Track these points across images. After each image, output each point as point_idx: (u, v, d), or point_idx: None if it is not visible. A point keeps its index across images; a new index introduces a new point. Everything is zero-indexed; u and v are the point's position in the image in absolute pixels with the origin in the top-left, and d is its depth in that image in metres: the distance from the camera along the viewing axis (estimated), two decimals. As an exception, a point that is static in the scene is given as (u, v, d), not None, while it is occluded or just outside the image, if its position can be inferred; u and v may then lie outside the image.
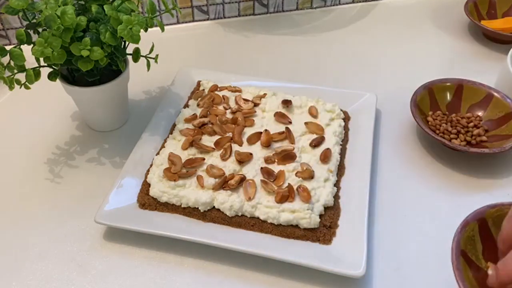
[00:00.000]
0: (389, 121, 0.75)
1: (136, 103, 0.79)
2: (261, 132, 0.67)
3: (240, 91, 0.75)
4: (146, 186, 0.62)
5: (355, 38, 0.93)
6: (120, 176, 0.63)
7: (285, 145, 0.66)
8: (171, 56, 0.85)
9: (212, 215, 0.59)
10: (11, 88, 0.60)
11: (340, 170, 0.65)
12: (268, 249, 0.55)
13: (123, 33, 0.58)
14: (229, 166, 0.63)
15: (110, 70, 0.67)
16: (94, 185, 0.66)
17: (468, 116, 0.72)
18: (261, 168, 0.63)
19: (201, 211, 0.59)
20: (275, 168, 0.63)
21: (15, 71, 0.60)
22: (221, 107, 0.72)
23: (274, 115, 0.70)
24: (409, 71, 0.85)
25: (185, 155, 0.64)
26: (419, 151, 0.71)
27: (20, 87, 0.61)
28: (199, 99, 0.74)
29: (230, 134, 0.67)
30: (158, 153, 0.66)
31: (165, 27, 0.67)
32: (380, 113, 0.76)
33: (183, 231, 0.57)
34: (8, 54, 0.59)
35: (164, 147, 0.67)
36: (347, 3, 1.02)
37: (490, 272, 0.48)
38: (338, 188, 0.63)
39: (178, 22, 0.96)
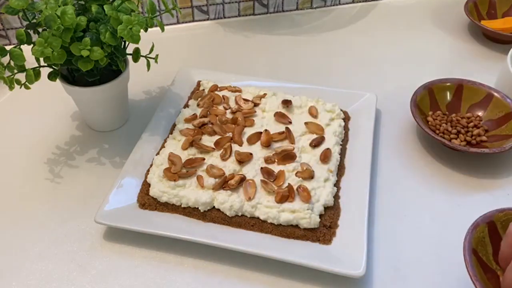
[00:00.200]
0: (389, 121, 0.75)
1: (136, 103, 0.79)
2: (261, 132, 0.67)
3: (240, 91, 0.75)
4: (146, 186, 0.62)
5: (355, 38, 0.93)
6: (120, 176, 0.63)
7: (285, 145, 0.66)
8: (171, 56, 0.85)
9: (212, 215, 0.59)
10: (11, 88, 0.60)
11: (340, 170, 0.65)
12: (268, 249, 0.55)
13: (123, 33, 0.58)
14: (229, 166, 0.63)
15: (110, 70, 0.67)
16: (94, 185, 0.66)
17: (468, 116, 0.72)
18: (261, 168, 0.63)
19: (201, 211, 0.59)
20: (275, 168, 0.63)
21: (15, 71, 0.60)
22: (221, 107, 0.72)
23: (274, 115, 0.70)
24: (409, 71, 0.85)
25: (185, 155, 0.64)
26: (419, 151, 0.71)
27: (20, 87, 0.61)
28: (199, 99, 0.74)
29: (230, 134, 0.67)
30: (158, 153, 0.66)
31: (165, 27, 0.67)
32: (380, 113, 0.76)
33: (183, 231, 0.57)
34: (8, 54, 0.59)
35: (164, 147, 0.67)
36: (347, 3, 1.02)
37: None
38: (338, 188, 0.63)
39: (178, 22, 0.96)
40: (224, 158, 0.64)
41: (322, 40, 0.93)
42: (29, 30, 0.61)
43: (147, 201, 0.61)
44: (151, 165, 0.65)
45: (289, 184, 0.60)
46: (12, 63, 0.59)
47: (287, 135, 0.67)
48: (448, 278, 0.55)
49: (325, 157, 0.64)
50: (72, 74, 0.67)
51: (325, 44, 0.92)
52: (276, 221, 0.58)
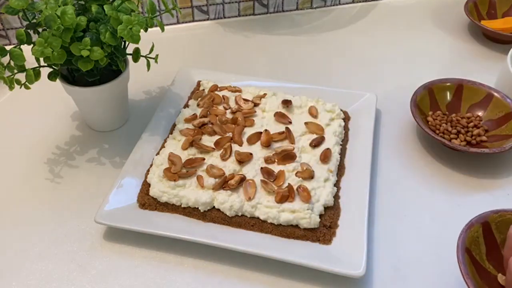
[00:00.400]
0: (389, 121, 0.75)
1: (136, 103, 0.79)
2: (261, 132, 0.67)
3: (240, 91, 0.75)
4: (146, 186, 0.62)
5: (355, 38, 0.93)
6: (120, 176, 0.63)
7: (285, 145, 0.66)
8: (171, 56, 0.85)
9: (212, 215, 0.59)
10: (11, 88, 0.60)
11: (340, 170, 0.65)
12: (268, 249, 0.55)
13: (123, 33, 0.58)
14: (229, 166, 0.63)
15: (110, 70, 0.67)
16: (94, 185, 0.66)
17: (468, 116, 0.72)
18: (261, 168, 0.63)
19: (201, 211, 0.59)
20: (275, 168, 0.63)
21: (15, 71, 0.60)
22: (221, 107, 0.72)
23: (274, 115, 0.70)
24: (409, 71, 0.85)
25: (185, 155, 0.64)
26: (419, 151, 0.71)
27: (20, 87, 0.61)
28: (199, 99, 0.74)
29: (230, 134, 0.67)
30: (158, 153, 0.66)
31: (165, 27, 0.67)
32: (380, 113, 0.76)
33: (183, 231, 0.57)
34: (8, 54, 0.59)
35: (164, 147, 0.67)
36: (347, 3, 1.02)
37: (500, 279, 0.51)
38: (338, 188, 0.63)
39: (178, 22, 0.96)
40: (224, 158, 0.64)
41: (322, 40, 0.93)
42: (29, 30, 0.61)
43: (147, 201, 0.61)
44: (151, 165, 0.65)
45: (289, 184, 0.60)
46: (12, 63, 0.59)
47: (287, 135, 0.67)
48: (448, 278, 0.55)
49: (325, 157, 0.64)
50: (72, 74, 0.67)
51: (325, 44, 0.92)
52: (276, 221, 0.58)
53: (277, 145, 0.66)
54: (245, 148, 0.66)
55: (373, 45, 0.92)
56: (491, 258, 0.53)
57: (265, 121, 0.70)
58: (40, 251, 0.59)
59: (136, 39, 0.59)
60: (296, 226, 0.58)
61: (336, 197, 0.61)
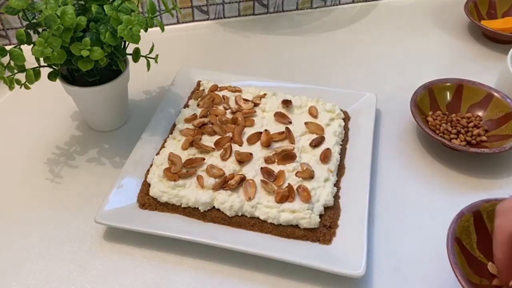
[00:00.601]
0: (389, 121, 0.75)
1: (136, 103, 0.79)
2: (261, 132, 0.67)
3: (240, 91, 0.75)
4: (146, 186, 0.62)
5: (355, 38, 0.93)
6: (120, 176, 0.63)
7: (285, 145, 0.66)
8: (171, 56, 0.85)
9: (212, 215, 0.59)
10: (11, 88, 0.60)
11: (340, 170, 0.65)
12: (268, 249, 0.55)
13: (123, 33, 0.58)
14: (229, 166, 0.63)
15: (110, 70, 0.67)
16: (94, 185, 0.66)
17: (468, 116, 0.72)
18: (261, 168, 0.63)
19: (201, 211, 0.59)
20: (275, 168, 0.63)
21: (15, 71, 0.60)
22: (221, 107, 0.72)
23: (274, 115, 0.70)
24: (409, 71, 0.85)
25: (185, 155, 0.64)
26: (419, 151, 0.71)
27: (20, 87, 0.61)
28: (199, 99, 0.74)
29: (230, 134, 0.67)
30: (158, 153, 0.66)
31: (165, 27, 0.67)
32: (380, 113, 0.76)
33: (183, 231, 0.57)
34: (8, 54, 0.59)
35: (164, 147, 0.67)
36: (347, 3, 1.02)
37: (490, 268, 0.52)
38: (338, 188, 0.63)
39: (178, 22, 0.96)
40: (224, 158, 0.64)
41: (322, 40, 0.93)
42: (29, 30, 0.61)
43: (147, 201, 0.61)
44: (151, 165, 0.65)
45: (289, 184, 0.60)
46: (12, 63, 0.59)
47: (287, 135, 0.67)
48: (448, 278, 0.55)
49: (325, 157, 0.64)
50: (72, 74, 0.67)
51: (325, 44, 0.92)
52: (276, 221, 0.58)
53: (277, 145, 0.66)
54: (245, 148, 0.66)
55: (373, 45, 0.92)
56: (482, 247, 0.54)
57: (265, 121, 0.70)
58: (40, 251, 0.59)
59: (136, 39, 0.59)
60: (296, 226, 0.57)
61: (336, 197, 0.61)
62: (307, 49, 0.91)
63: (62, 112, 0.77)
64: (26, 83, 0.61)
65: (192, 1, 0.93)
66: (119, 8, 0.59)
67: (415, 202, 0.64)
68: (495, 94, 0.72)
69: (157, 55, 0.68)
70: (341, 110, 0.72)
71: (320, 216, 0.58)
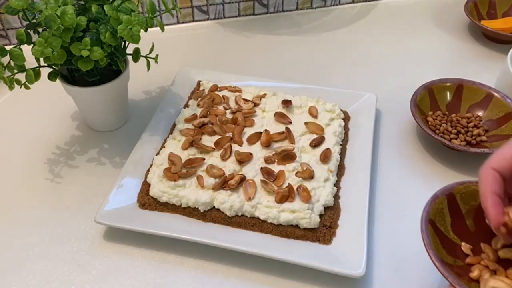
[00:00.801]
0: (389, 121, 0.75)
1: (136, 103, 0.79)
2: (261, 132, 0.67)
3: (240, 91, 0.75)
4: (146, 186, 0.62)
5: (355, 38, 0.93)
6: (120, 176, 0.63)
7: (285, 145, 0.66)
8: (171, 56, 0.85)
9: (212, 215, 0.59)
10: (11, 88, 0.60)
11: (340, 170, 0.65)
12: (268, 249, 0.55)
13: (123, 33, 0.58)
14: (229, 166, 0.63)
15: (110, 70, 0.67)
16: (94, 185, 0.66)
17: (468, 116, 0.72)
18: (261, 168, 0.63)
19: (201, 211, 0.59)
20: (275, 168, 0.63)
21: (15, 71, 0.60)
22: (221, 107, 0.72)
23: (274, 115, 0.70)
24: (409, 71, 0.85)
25: (185, 155, 0.64)
26: (419, 151, 0.71)
27: (20, 87, 0.61)
28: (199, 99, 0.74)
29: (230, 134, 0.67)
30: (158, 153, 0.66)
31: (165, 27, 0.67)
32: (380, 113, 0.76)
33: (183, 231, 0.57)
34: (8, 54, 0.59)
35: (164, 147, 0.67)
36: (347, 3, 1.02)
37: (463, 248, 0.53)
38: (338, 188, 0.63)
39: (178, 22, 0.96)
40: (224, 158, 0.64)
41: (322, 40, 0.93)
42: (29, 30, 0.61)
43: (147, 201, 0.61)
44: (151, 165, 0.65)
45: (289, 184, 0.60)
46: (12, 63, 0.59)
47: (287, 135, 0.67)
48: (448, 278, 0.55)
49: (325, 157, 0.64)
50: (72, 74, 0.67)
51: (325, 44, 0.92)
52: (276, 221, 0.58)
53: (277, 145, 0.66)
54: (245, 148, 0.66)
55: (373, 45, 0.92)
56: (456, 228, 0.55)
57: (265, 121, 0.70)
58: (40, 251, 0.59)
59: (136, 39, 0.59)
60: (296, 226, 0.58)
61: (336, 197, 0.61)
62: (307, 49, 0.91)
63: (62, 112, 0.77)
64: (26, 83, 0.61)
65: (192, 1, 0.93)
66: (119, 8, 0.59)
67: (415, 202, 0.64)
68: (495, 94, 0.72)
69: (157, 55, 0.68)
70: (341, 110, 0.72)
71: (320, 216, 0.58)
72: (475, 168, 0.67)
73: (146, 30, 0.62)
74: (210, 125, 0.68)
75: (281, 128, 0.68)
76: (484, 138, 0.69)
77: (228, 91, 0.75)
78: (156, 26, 0.65)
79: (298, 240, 0.57)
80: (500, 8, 0.94)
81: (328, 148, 0.65)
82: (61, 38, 0.57)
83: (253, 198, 0.59)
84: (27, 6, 0.59)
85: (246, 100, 0.73)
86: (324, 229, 0.57)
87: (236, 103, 0.72)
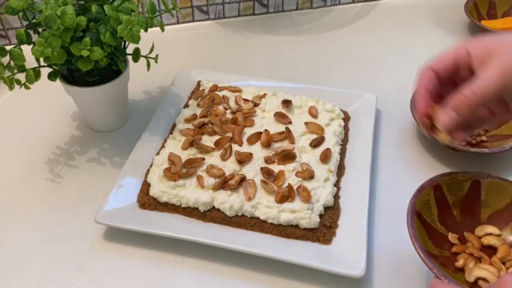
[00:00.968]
0: (389, 121, 0.75)
1: (136, 103, 0.79)
2: (261, 132, 0.67)
3: (240, 91, 0.75)
4: (146, 186, 0.62)
5: (355, 38, 0.93)
6: (120, 176, 0.63)
7: (285, 145, 0.66)
8: (171, 56, 0.85)
9: (212, 215, 0.59)
10: (11, 88, 0.60)
11: (340, 170, 0.65)
12: (268, 249, 0.55)
13: (123, 33, 0.58)
14: (229, 166, 0.63)
15: (110, 70, 0.67)
16: (94, 185, 0.66)
17: (468, 116, 0.71)
18: (261, 168, 0.63)
19: (201, 211, 0.59)
20: (275, 168, 0.63)
21: (15, 71, 0.60)
22: (221, 107, 0.72)
23: (274, 115, 0.70)
24: (409, 71, 0.85)
25: (185, 155, 0.64)
26: (419, 151, 0.71)
27: (20, 87, 0.61)
28: (199, 99, 0.74)
29: (230, 134, 0.67)
30: (158, 153, 0.66)
31: (165, 27, 0.67)
32: (380, 113, 0.76)
33: (183, 231, 0.57)
34: (8, 54, 0.59)
35: (164, 147, 0.67)
36: (347, 3, 1.02)
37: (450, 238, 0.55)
38: (338, 188, 0.63)
39: (178, 22, 0.96)
40: (224, 158, 0.64)
41: (322, 40, 0.93)
42: (29, 30, 0.61)
43: (147, 201, 0.61)
44: (151, 165, 0.65)
45: (289, 184, 0.60)
46: (12, 63, 0.59)
47: (287, 135, 0.67)
48: (448, 278, 0.55)
49: (325, 157, 0.64)
50: (72, 74, 0.67)
51: (325, 44, 0.92)
52: (276, 221, 0.58)
53: (277, 145, 0.66)
54: (245, 148, 0.66)
55: (373, 45, 0.92)
56: (443, 219, 0.55)
57: (265, 121, 0.70)
58: (40, 251, 0.59)
59: (136, 39, 0.59)
60: (296, 226, 0.57)
61: (336, 197, 0.61)
62: (307, 49, 0.91)
63: (62, 112, 0.77)
64: (26, 83, 0.61)
65: (192, 1, 0.93)
66: (119, 8, 0.59)
67: (415, 202, 0.64)
68: (495, 94, 0.72)
69: (157, 55, 0.68)
70: (341, 110, 0.72)
71: (320, 216, 0.58)
72: (475, 168, 0.68)
73: (146, 30, 0.62)
74: (210, 125, 0.68)
75: (281, 128, 0.68)
76: (484, 138, 0.69)
77: (228, 91, 0.75)
78: (156, 26, 0.65)
79: (298, 240, 0.57)
80: (500, 8, 0.94)
81: (328, 148, 0.65)
82: (61, 38, 0.57)
83: (253, 198, 0.59)
84: (27, 6, 0.59)
85: (246, 100, 0.73)
86: (324, 229, 0.57)
87: (236, 103, 0.72)
